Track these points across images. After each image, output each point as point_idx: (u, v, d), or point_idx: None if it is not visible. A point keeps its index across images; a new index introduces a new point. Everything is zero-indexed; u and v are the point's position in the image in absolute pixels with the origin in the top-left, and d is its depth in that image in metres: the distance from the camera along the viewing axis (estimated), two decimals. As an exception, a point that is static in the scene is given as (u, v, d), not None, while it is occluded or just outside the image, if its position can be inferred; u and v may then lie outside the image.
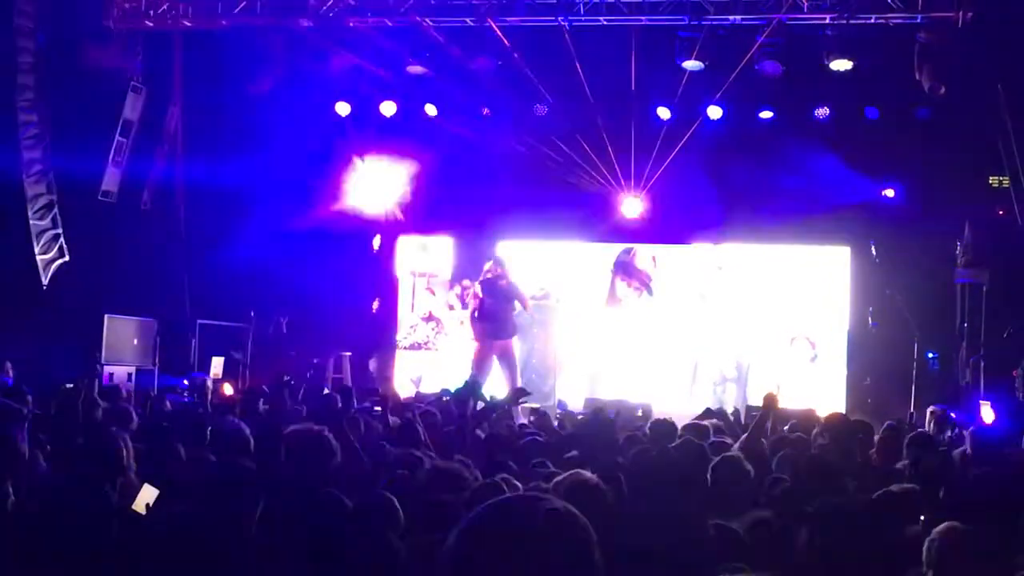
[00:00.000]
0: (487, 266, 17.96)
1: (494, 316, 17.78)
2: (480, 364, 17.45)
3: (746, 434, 9.48)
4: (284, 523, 5.42)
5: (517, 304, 17.95)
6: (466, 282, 19.85)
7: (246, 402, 11.97)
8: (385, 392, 13.60)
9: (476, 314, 17.92)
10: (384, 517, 5.20)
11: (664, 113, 17.88)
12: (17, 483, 5.70)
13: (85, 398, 8.93)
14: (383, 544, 4.69)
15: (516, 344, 18.55)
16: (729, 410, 16.17)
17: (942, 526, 4.85)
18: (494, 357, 17.79)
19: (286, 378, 12.67)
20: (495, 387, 16.31)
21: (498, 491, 5.54)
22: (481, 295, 17.83)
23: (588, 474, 5.41)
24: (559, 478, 5.28)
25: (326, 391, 15.71)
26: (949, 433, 11.89)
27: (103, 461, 5.60)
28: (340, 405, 10.07)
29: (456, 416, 10.45)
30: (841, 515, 5.68)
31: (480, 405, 10.87)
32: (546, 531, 2.34)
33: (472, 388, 11.17)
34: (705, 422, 10.83)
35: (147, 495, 5.70)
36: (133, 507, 5.66)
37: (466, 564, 2.33)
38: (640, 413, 15.12)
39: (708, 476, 6.86)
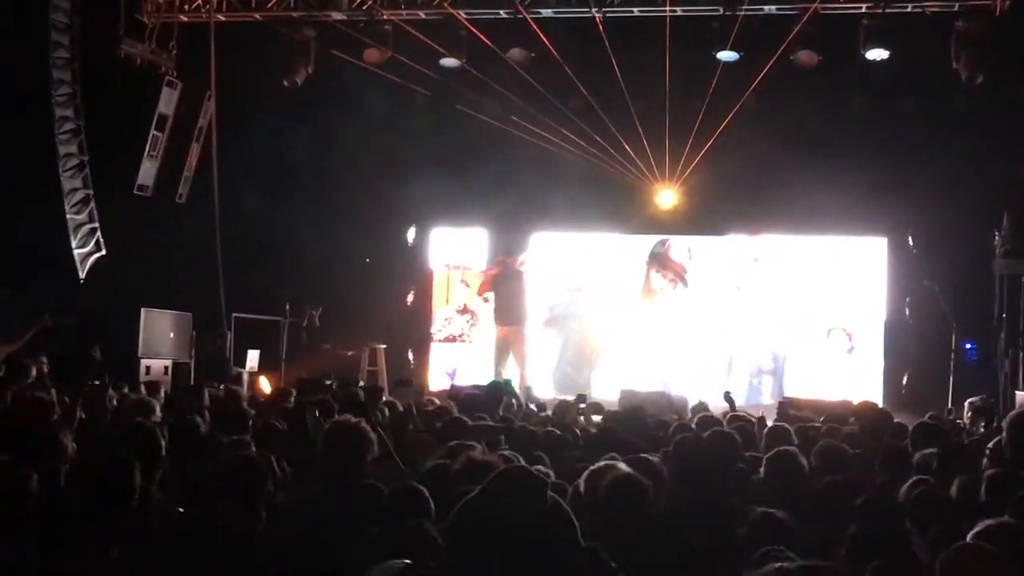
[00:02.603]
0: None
1: (502, 304, 19.08)
2: (497, 351, 18.92)
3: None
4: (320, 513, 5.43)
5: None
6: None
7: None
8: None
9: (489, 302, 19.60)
10: (416, 506, 5.21)
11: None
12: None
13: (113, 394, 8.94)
14: (416, 531, 4.68)
15: (548, 335, 19.20)
16: (766, 402, 16.16)
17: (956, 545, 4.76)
18: (509, 344, 18.86)
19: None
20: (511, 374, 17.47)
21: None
22: (492, 286, 19.36)
23: (626, 468, 5.37)
24: (596, 471, 5.23)
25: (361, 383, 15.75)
26: (983, 425, 11.77)
27: (138, 454, 5.58)
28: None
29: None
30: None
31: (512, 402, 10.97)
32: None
33: (501, 387, 11.33)
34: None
35: None
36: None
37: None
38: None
39: (761, 470, 6.82)
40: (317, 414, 8.00)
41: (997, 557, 4.51)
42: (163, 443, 6.13)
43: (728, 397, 12.81)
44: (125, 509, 5.01)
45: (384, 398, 11.33)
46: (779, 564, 3.03)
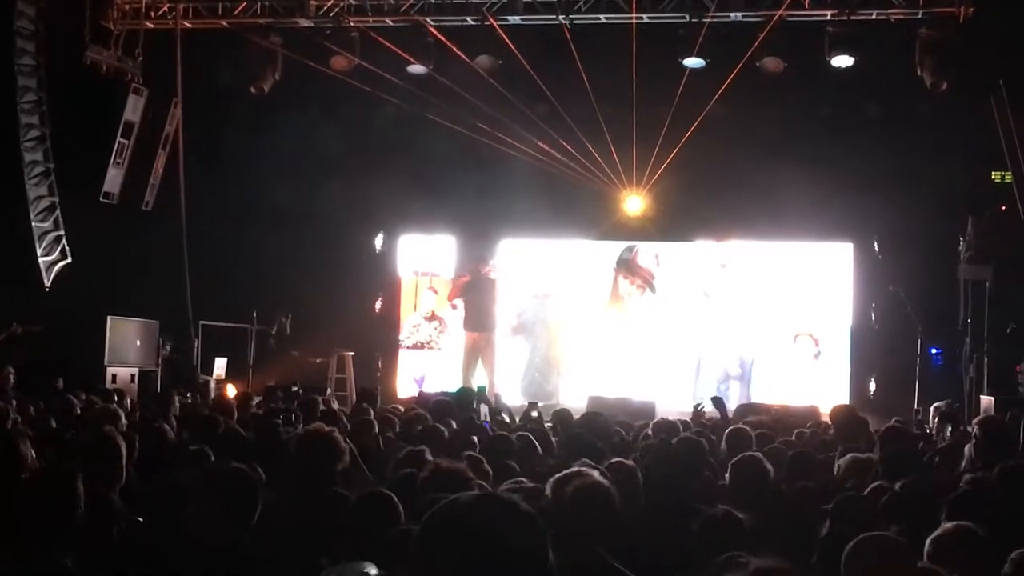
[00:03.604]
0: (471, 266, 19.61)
1: (472, 310, 19.36)
2: (466, 358, 19.23)
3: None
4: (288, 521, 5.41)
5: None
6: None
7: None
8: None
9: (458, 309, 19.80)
10: (385, 513, 5.19)
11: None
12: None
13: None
14: (382, 539, 4.67)
15: (516, 342, 19.50)
16: (733, 408, 16.19)
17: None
18: (478, 351, 19.16)
19: None
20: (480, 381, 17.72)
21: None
22: (462, 293, 19.56)
23: (595, 475, 5.37)
24: (561, 478, 5.23)
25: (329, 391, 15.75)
26: (950, 429, 11.83)
27: (100, 463, 5.55)
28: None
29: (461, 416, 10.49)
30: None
31: (485, 409, 10.96)
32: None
33: (471, 394, 11.34)
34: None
35: None
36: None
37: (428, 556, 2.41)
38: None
39: (727, 475, 6.84)
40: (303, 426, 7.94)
41: (900, 549, 4.54)
42: (124, 451, 6.07)
43: (720, 402, 12.74)
44: (69, 519, 4.95)
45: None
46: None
